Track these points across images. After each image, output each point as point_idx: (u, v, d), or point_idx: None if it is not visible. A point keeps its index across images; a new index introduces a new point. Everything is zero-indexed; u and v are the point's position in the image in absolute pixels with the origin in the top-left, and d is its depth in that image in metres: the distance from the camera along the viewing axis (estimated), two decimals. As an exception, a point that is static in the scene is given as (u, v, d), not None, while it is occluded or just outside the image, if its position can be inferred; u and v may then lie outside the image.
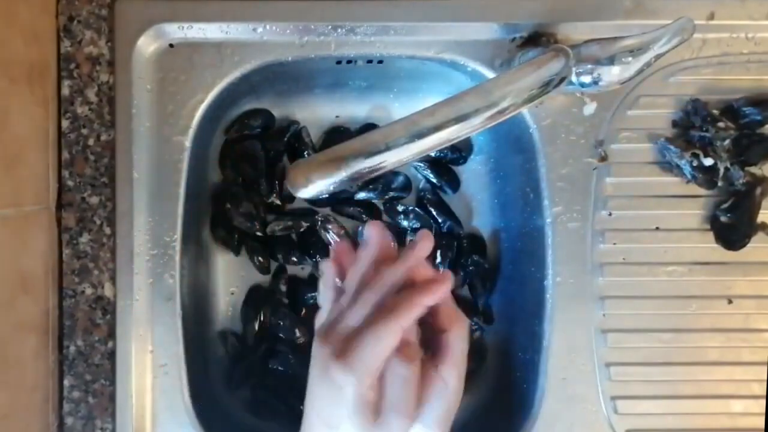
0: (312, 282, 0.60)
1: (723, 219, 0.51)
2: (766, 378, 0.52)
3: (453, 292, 0.53)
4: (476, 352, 0.61)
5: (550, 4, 0.51)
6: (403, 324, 0.33)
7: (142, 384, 0.50)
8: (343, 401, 0.33)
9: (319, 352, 0.34)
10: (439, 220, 0.61)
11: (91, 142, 0.50)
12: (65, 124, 0.50)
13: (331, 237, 0.56)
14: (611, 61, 0.43)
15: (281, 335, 0.58)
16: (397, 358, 0.33)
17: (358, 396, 0.32)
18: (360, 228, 0.60)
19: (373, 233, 0.38)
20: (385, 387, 0.33)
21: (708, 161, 0.51)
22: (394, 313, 0.33)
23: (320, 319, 0.39)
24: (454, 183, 0.61)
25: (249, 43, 0.51)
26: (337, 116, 0.62)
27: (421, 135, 0.39)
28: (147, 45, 0.50)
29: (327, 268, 0.40)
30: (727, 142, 0.51)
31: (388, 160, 0.39)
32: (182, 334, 0.50)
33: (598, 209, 0.52)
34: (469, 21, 0.51)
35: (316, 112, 0.61)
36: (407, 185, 0.61)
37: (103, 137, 0.50)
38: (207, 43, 0.51)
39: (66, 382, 0.50)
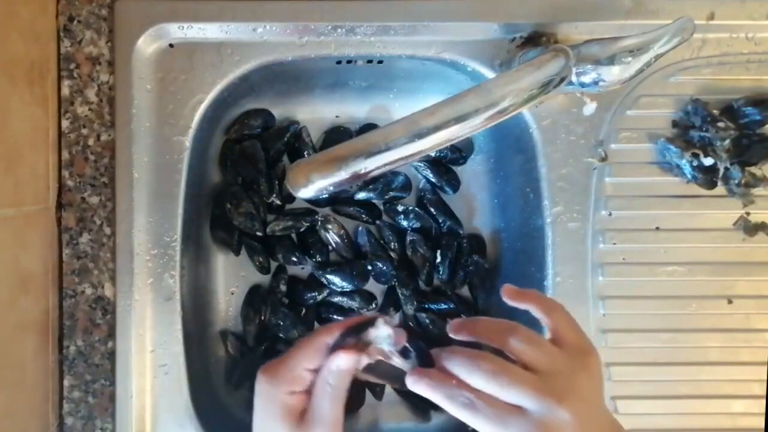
0: (312, 282, 0.60)
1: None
2: (766, 378, 0.52)
3: (453, 292, 0.53)
4: (476, 352, 0.61)
5: (550, 4, 0.51)
6: (320, 340, 0.37)
7: (142, 384, 0.50)
8: (271, 409, 0.38)
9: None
10: (439, 220, 0.61)
11: (91, 142, 0.50)
12: (65, 124, 0.50)
13: (331, 237, 0.56)
14: (611, 61, 0.43)
15: (281, 335, 0.58)
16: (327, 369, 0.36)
17: (280, 401, 0.38)
18: (360, 228, 0.60)
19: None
20: (312, 399, 0.37)
21: (708, 161, 0.51)
22: (311, 333, 0.39)
23: None
24: (454, 183, 0.61)
25: (249, 43, 0.51)
26: (337, 116, 0.62)
27: (421, 135, 0.39)
28: (147, 45, 0.50)
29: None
30: (727, 142, 0.51)
31: (388, 160, 0.39)
32: (182, 334, 0.50)
33: (598, 209, 0.52)
34: (469, 21, 0.51)
35: (316, 112, 0.61)
36: (407, 185, 0.61)
37: (103, 137, 0.50)
38: (207, 43, 0.51)
39: (66, 382, 0.50)
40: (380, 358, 0.37)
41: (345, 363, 0.36)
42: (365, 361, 0.37)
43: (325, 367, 0.37)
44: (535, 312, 0.39)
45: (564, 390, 0.34)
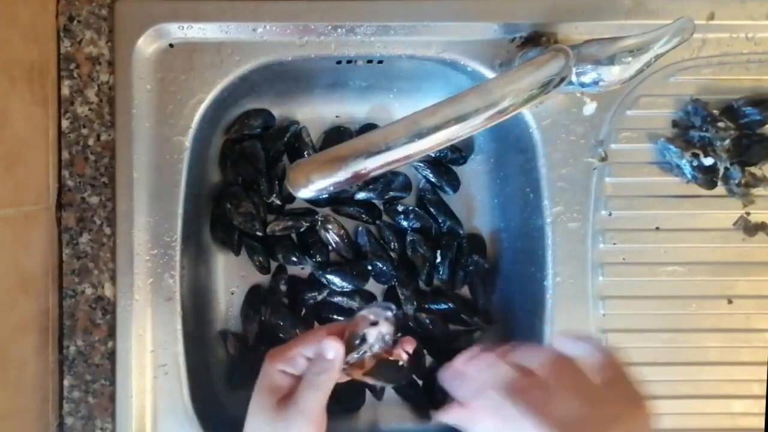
0: (312, 282, 0.60)
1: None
2: (766, 378, 0.52)
3: (453, 292, 0.53)
4: (476, 352, 0.61)
5: (550, 4, 0.51)
6: (323, 332, 0.39)
7: (142, 384, 0.50)
8: (261, 383, 0.39)
9: None
10: (439, 220, 0.61)
11: (91, 142, 0.50)
12: (65, 124, 0.50)
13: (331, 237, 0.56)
14: (611, 61, 0.43)
15: (281, 335, 0.58)
16: (318, 361, 0.38)
17: (269, 375, 0.39)
18: (360, 228, 0.60)
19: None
20: (298, 387, 0.38)
21: (708, 161, 0.51)
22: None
23: None
24: (454, 183, 0.61)
25: (249, 43, 0.51)
26: (337, 116, 0.62)
27: (421, 135, 0.39)
28: (147, 45, 0.50)
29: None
30: (727, 142, 0.51)
31: (388, 160, 0.39)
32: (182, 334, 0.50)
33: (598, 209, 0.52)
34: (469, 21, 0.51)
35: (316, 112, 0.61)
36: (407, 185, 0.61)
37: (103, 137, 0.50)
38: (207, 43, 0.51)
39: (66, 382, 0.50)
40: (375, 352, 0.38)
41: (333, 352, 0.37)
42: (354, 356, 0.38)
43: (315, 358, 0.38)
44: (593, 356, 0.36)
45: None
